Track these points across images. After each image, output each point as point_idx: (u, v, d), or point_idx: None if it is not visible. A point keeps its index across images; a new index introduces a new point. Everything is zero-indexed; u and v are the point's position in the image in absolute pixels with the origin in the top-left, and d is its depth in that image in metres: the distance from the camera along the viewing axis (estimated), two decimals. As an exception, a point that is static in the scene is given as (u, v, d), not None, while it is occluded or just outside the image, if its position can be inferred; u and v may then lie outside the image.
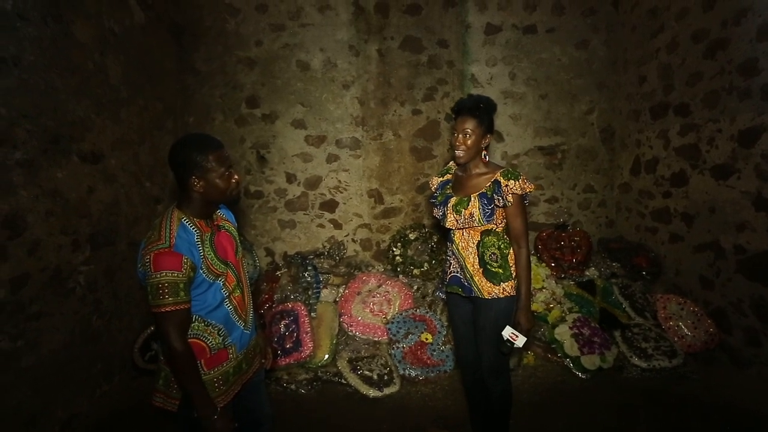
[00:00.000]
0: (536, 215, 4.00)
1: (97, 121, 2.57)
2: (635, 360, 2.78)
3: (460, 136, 1.77)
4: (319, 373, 2.80)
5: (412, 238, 3.62)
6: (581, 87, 3.88)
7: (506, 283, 1.78)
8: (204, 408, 1.27)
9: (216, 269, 1.35)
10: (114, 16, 2.75)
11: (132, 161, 2.93)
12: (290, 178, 3.83)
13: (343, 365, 2.81)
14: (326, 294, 3.35)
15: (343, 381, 2.74)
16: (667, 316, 3.09)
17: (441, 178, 2.01)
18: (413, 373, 2.78)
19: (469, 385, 2.07)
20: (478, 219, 1.77)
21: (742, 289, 2.76)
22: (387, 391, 2.65)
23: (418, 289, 3.39)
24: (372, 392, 2.63)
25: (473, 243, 1.81)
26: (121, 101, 2.82)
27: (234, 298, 1.42)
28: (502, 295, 1.78)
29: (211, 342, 1.36)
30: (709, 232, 2.99)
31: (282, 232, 3.89)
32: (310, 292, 3.27)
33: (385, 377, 2.73)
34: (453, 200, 1.85)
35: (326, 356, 2.87)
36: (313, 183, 3.84)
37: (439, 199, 1.94)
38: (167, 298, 1.21)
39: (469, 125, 1.76)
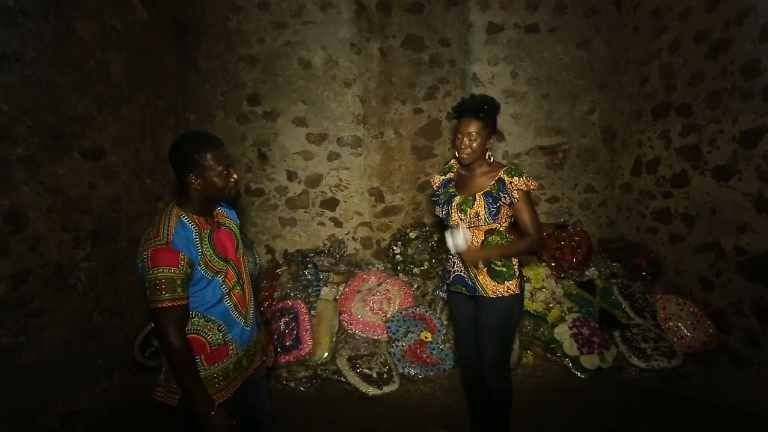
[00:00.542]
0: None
1: (98, 118, 2.57)
2: (634, 360, 2.79)
3: (465, 139, 1.76)
4: (319, 371, 2.81)
5: (413, 237, 3.63)
6: (583, 87, 3.88)
7: (510, 282, 1.78)
8: (201, 404, 1.28)
9: (214, 266, 1.35)
10: (116, 13, 2.75)
11: (133, 158, 2.93)
12: (291, 175, 3.83)
13: (342, 363, 2.81)
14: (326, 292, 3.35)
15: (342, 379, 2.74)
16: (667, 316, 3.09)
17: (443, 177, 2.01)
18: (413, 372, 2.78)
19: (469, 384, 2.07)
20: (484, 218, 1.76)
21: (742, 290, 2.76)
22: (386, 389, 2.65)
23: (418, 287, 3.40)
24: (371, 390, 2.64)
25: (477, 242, 1.81)
26: (123, 98, 2.82)
27: (234, 294, 1.43)
28: (506, 294, 1.78)
29: (211, 338, 1.36)
30: (709, 233, 2.99)
31: (282, 230, 3.89)
32: (310, 290, 3.28)
33: (385, 375, 2.74)
34: (457, 199, 1.85)
35: (326, 354, 2.88)
36: (314, 181, 3.84)
37: (441, 197, 1.94)
38: (164, 293, 1.22)
39: (474, 128, 1.75)
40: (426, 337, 2.95)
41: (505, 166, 1.81)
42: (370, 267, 3.71)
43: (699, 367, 2.80)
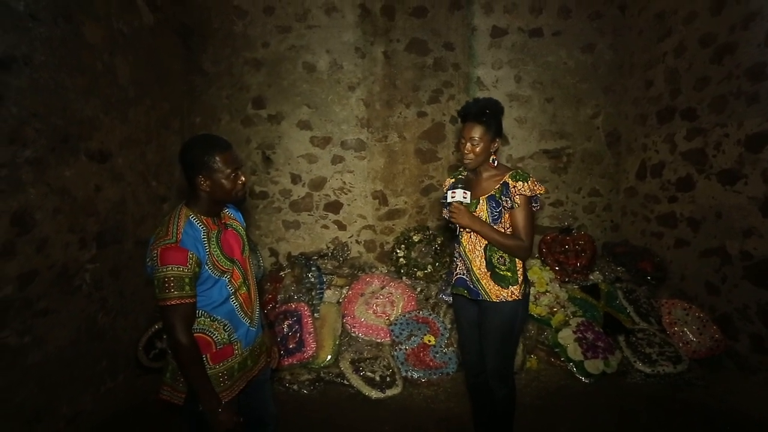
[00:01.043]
0: (541, 218, 3.99)
1: (105, 121, 2.60)
2: (639, 365, 2.77)
3: (468, 143, 1.76)
4: (322, 374, 2.80)
5: (416, 240, 3.63)
6: (587, 91, 3.87)
7: (514, 287, 1.77)
8: (208, 401, 1.29)
9: (221, 266, 1.38)
10: (123, 18, 2.78)
11: (139, 160, 2.95)
12: (295, 178, 3.84)
13: (345, 366, 2.81)
14: (329, 295, 3.35)
15: (345, 382, 2.74)
16: (672, 321, 3.07)
17: (452, 180, 2.00)
18: (416, 375, 2.77)
19: (472, 388, 2.06)
20: (486, 222, 1.76)
21: (748, 295, 2.74)
22: (389, 392, 2.65)
23: (421, 291, 3.39)
24: (374, 393, 2.63)
25: (480, 246, 1.80)
26: (129, 101, 2.85)
27: (240, 295, 1.45)
28: (510, 299, 1.76)
29: (216, 337, 1.38)
30: (715, 238, 2.97)
31: (286, 233, 3.90)
32: (313, 293, 3.28)
33: (388, 379, 2.73)
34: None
35: (329, 357, 2.88)
36: (318, 184, 3.86)
37: (449, 200, 1.93)
38: (173, 291, 1.24)
39: (477, 133, 1.74)
40: (429, 341, 2.95)
41: (512, 169, 1.81)
42: (374, 270, 3.72)
43: (705, 372, 2.77)
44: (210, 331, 1.37)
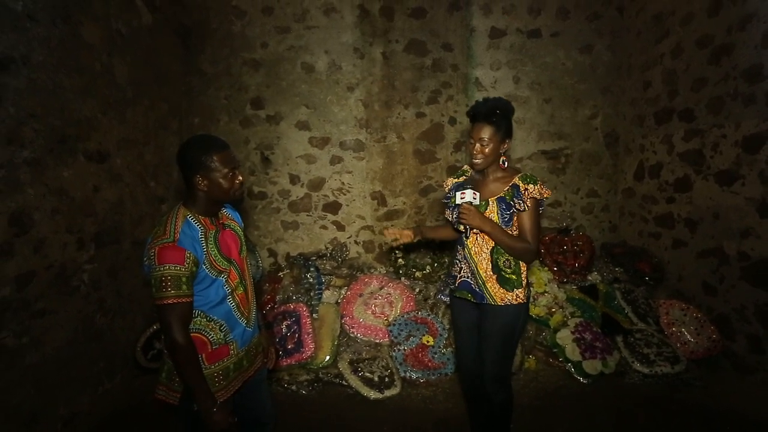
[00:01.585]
0: (539, 219, 3.99)
1: (103, 121, 2.60)
2: (637, 365, 2.77)
3: (477, 144, 1.73)
4: (320, 374, 2.80)
5: (415, 241, 3.62)
6: (585, 91, 3.88)
7: (519, 290, 1.75)
8: (203, 400, 1.29)
9: (219, 265, 1.38)
10: (122, 18, 2.78)
11: (137, 161, 2.95)
12: (294, 179, 3.84)
13: (344, 367, 2.81)
14: (328, 295, 3.35)
15: (344, 382, 2.74)
16: (670, 321, 3.07)
17: (456, 180, 1.98)
18: (414, 376, 2.77)
19: (468, 393, 2.05)
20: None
21: (745, 296, 2.75)
22: (388, 393, 2.65)
23: (420, 291, 3.40)
24: (373, 394, 2.64)
25: (487, 249, 1.77)
26: (127, 101, 2.85)
27: (237, 295, 1.45)
28: (515, 302, 1.74)
29: (212, 337, 1.39)
30: (712, 238, 2.98)
31: (285, 233, 3.90)
32: (312, 294, 3.28)
33: (386, 379, 2.73)
34: None
35: (327, 357, 2.88)
36: (317, 184, 3.86)
37: (452, 201, 1.87)
38: (170, 290, 1.25)
39: (486, 133, 1.72)
40: (428, 341, 2.95)
41: (520, 171, 1.79)
42: (372, 270, 3.72)
43: (702, 373, 2.78)
44: (206, 331, 1.38)
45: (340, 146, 3.82)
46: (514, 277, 1.75)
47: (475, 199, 1.71)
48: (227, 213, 1.56)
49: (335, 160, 3.83)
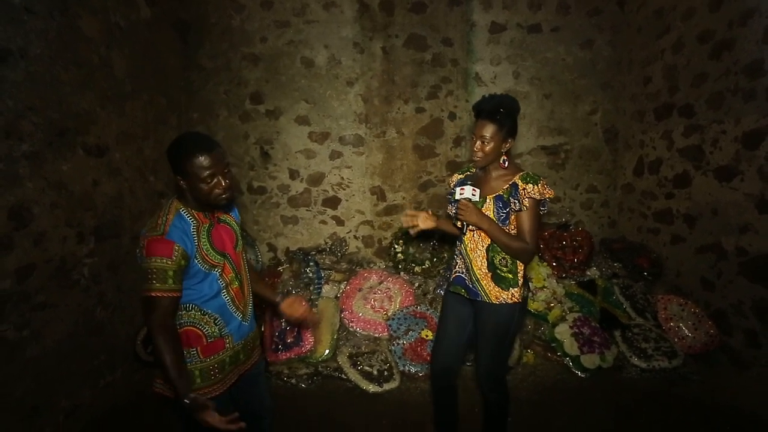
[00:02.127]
0: (538, 215, 4.00)
1: (101, 115, 2.59)
2: (635, 360, 2.79)
3: (478, 142, 1.71)
4: (320, 368, 2.82)
5: (414, 236, 3.63)
6: (585, 87, 3.87)
7: (515, 289, 1.73)
8: (177, 393, 1.24)
9: (211, 259, 1.37)
10: (120, 11, 2.77)
11: (136, 155, 2.95)
12: (293, 174, 3.84)
13: (343, 360, 2.82)
14: (327, 290, 3.36)
15: (343, 376, 2.75)
16: (668, 316, 3.09)
17: (460, 175, 1.96)
18: (413, 370, 2.79)
19: (438, 393, 1.98)
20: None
21: (743, 291, 2.76)
22: (387, 386, 2.66)
23: (419, 286, 3.41)
24: (372, 387, 2.65)
25: (483, 246, 1.76)
26: (126, 95, 2.84)
27: (232, 289, 1.45)
28: (510, 301, 1.72)
29: (207, 330, 1.39)
30: (711, 234, 2.99)
31: (284, 228, 3.91)
32: (311, 288, 3.29)
33: (385, 373, 2.75)
34: None
35: (327, 351, 2.89)
36: (316, 179, 3.85)
37: (454, 196, 1.84)
38: (155, 283, 1.25)
39: (488, 131, 1.69)
40: (427, 336, 2.96)
41: (522, 170, 1.76)
42: (372, 265, 3.72)
43: (700, 367, 2.80)
44: (200, 325, 1.38)
45: (339, 141, 3.81)
46: (510, 275, 1.73)
47: (474, 195, 1.70)
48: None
49: (335, 155, 3.82)
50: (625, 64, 3.85)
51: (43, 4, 2.15)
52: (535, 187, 1.69)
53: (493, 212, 1.72)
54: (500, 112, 1.69)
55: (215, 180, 1.34)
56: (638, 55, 3.68)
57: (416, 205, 3.90)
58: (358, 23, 3.67)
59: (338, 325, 3.08)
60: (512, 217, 1.72)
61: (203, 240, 1.36)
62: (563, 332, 2.92)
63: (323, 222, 3.91)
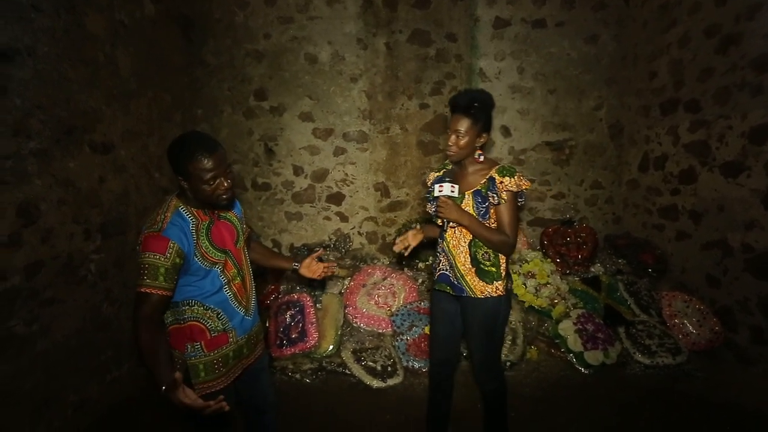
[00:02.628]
0: (542, 211, 3.99)
1: (107, 113, 2.61)
2: (639, 356, 2.79)
3: (453, 136, 1.73)
4: (324, 363, 2.84)
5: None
6: (590, 82, 3.85)
7: (498, 282, 1.75)
8: (156, 380, 1.24)
9: (211, 257, 1.39)
10: (125, 8, 2.78)
11: (141, 152, 2.97)
12: (297, 170, 3.85)
13: (347, 356, 2.84)
14: (331, 285, 3.38)
15: (347, 371, 2.77)
16: (673, 313, 3.08)
17: (438, 174, 1.97)
18: (416, 365, 2.80)
19: (434, 384, 2.03)
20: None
21: (749, 288, 2.74)
22: (390, 382, 2.68)
23: (422, 282, 3.41)
24: (375, 383, 2.67)
25: (465, 242, 1.77)
26: (131, 93, 2.85)
27: (234, 285, 1.46)
28: (494, 294, 1.74)
29: (210, 325, 1.40)
30: (716, 230, 2.97)
31: (289, 224, 3.92)
32: (315, 284, 3.31)
33: (389, 368, 2.76)
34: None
35: (331, 347, 2.91)
36: (320, 176, 3.87)
37: (432, 194, 1.86)
38: (145, 279, 1.27)
39: (463, 126, 1.70)
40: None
41: (498, 163, 1.77)
42: (375, 261, 3.73)
43: (704, 364, 2.79)
44: (204, 320, 1.40)
45: (343, 137, 3.82)
46: (493, 269, 1.75)
47: (453, 192, 1.71)
48: None
49: (339, 151, 3.83)
50: (630, 59, 3.82)
51: (50, 2, 2.16)
52: (512, 179, 1.69)
53: (473, 207, 1.73)
54: (474, 106, 1.70)
55: (217, 181, 1.34)
56: (643, 50, 3.65)
57: (420, 202, 3.90)
58: (362, 19, 3.67)
59: (342, 321, 3.09)
60: (492, 210, 1.73)
61: (202, 238, 1.37)
62: (567, 328, 2.92)
63: (327, 218, 3.92)
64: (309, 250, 3.64)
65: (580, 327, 2.90)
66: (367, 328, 3.08)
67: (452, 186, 1.71)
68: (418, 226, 2.03)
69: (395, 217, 3.91)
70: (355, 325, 3.10)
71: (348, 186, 3.89)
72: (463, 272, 1.77)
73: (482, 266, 1.75)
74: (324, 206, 3.91)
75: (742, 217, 2.76)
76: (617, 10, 3.78)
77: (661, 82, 3.46)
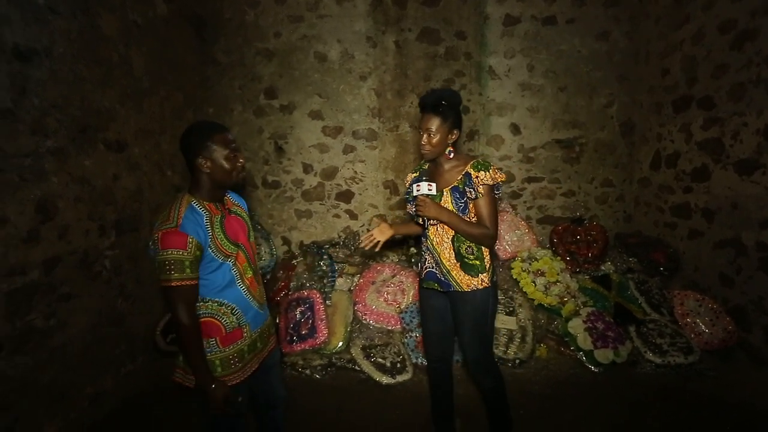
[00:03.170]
0: (552, 209, 3.97)
1: (121, 111, 2.65)
2: (650, 355, 2.77)
3: (425, 135, 1.76)
4: (334, 360, 2.86)
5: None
6: (601, 79, 3.81)
7: (483, 275, 1.77)
8: (203, 378, 1.34)
9: (226, 249, 1.41)
10: (138, 9, 2.82)
11: (154, 150, 3.02)
12: (307, 168, 3.88)
13: (356, 352, 2.86)
14: (341, 283, 3.40)
15: (356, 368, 2.80)
16: (685, 312, 3.05)
17: (414, 174, 2.00)
18: (425, 362, 2.81)
19: (432, 379, 2.07)
20: None
21: (763, 287, 2.71)
22: (400, 378, 2.70)
23: (431, 280, 3.42)
24: (385, 379, 2.69)
25: (448, 238, 1.79)
26: (144, 92, 2.90)
27: (246, 278, 1.49)
28: (480, 287, 1.77)
29: (225, 321, 1.43)
30: (730, 229, 2.93)
31: (298, 222, 3.95)
32: (325, 281, 3.33)
33: (398, 365, 2.78)
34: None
35: (340, 343, 2.93)
36: (330, 173, 3.89)
37: (411, 194, 1.90)
38: (173, 274, 1.29)
39: (433, 124, 1.74)
40: (439, 329, 2.98)
41: (472, 159, 1.80)
42: (385, 259, 3.75)
43: (717, 363, 2.76)
44: (218, 316, 1.42)
45: (352, 135, 3.83)
46: (477, 262, 1.77)
47: (430, 190, 1.75)
48: (232, 199, 1.59)
49: (348, 149, 3.85)
50: (642, 56, 3.77)
51: (66, 3, 2.21)
52: (487, 173, 1.72)
53: (452, 204, 1.76)
54: (442, 105, 1.74)
55: (236, 155, 1.44)
56: (656, 47, 3.61)
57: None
58: (371, 17, 3.67)
59: (352, 318, 3.11)
60: (470, 205, 1.77)
61: (217, 230, 1.40)
62: (577, 327, 2.91)
63: (337, 216, 3.95)
64: (318, 247, 3.66)
65: (590, 325, 2.89)
66: (376, 325, 3.10)
67: (429, 185, 1.75)
68: (386, 222, 2.05)
69: (404, 214, 3.92)
70: (364, 321, 3.12)
71: (357, 184, 3.90)
72: (448, 267, 1.80)
73: (466, 260, 1.78)
74: (333, 204, 3.93)
75: (757, 216, 2.72)
76: (629, 7, 3.74)
77: (673, 79, 3.41)
